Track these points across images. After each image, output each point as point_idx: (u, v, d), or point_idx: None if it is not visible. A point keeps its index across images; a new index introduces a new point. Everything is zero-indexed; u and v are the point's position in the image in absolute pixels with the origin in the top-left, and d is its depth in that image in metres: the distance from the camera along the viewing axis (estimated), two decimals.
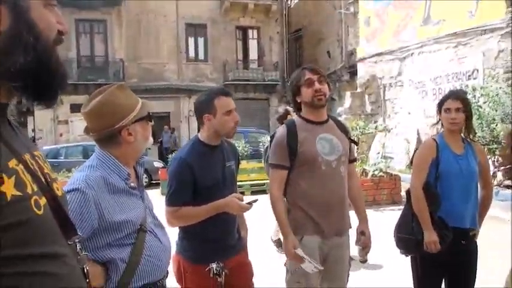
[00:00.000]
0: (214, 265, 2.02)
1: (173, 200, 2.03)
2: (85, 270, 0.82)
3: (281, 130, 2.32)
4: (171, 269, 2.13)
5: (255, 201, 2.00)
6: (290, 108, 4.11)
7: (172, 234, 2.16)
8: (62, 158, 11.54)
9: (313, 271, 2.09)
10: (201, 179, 2.03)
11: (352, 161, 2.43)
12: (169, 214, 2.03)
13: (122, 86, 1.55)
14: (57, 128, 17.19)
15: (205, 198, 2.00)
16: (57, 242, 0.73)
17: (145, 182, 10.92)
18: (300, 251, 2.08)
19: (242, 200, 2.00)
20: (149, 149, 16.50)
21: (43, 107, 0.81)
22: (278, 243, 4.53)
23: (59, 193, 0.81)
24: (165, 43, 18.62)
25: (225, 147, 2.21)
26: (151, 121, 1.59)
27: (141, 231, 1.46)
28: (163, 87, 17.97)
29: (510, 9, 8.57)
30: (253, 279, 2.29)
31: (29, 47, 0.69)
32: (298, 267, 2.16)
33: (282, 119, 4.24)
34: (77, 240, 0.81)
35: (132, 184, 1.51)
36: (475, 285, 2.40)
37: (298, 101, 2.30)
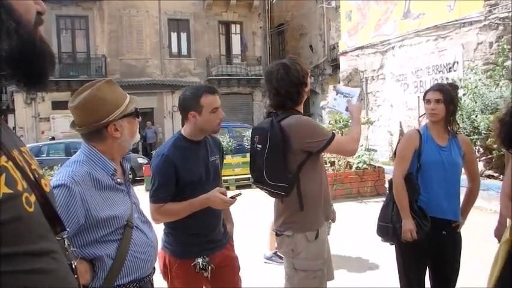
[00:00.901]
0: (200, 260, 2.03)
1: (157, 196, 2.02)
2: (73, 266, 0.81)
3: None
4: (157, 264, 2.13)
5: (238, 195, 2.01)
6: None
7: (158, 230, 2.16)
8: (44, 155, 11.32)
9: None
10: (184, 174, 2.02)
11: None
12: (154, 210, 2.02)
13: (110, 81, 1.54)
14: (39, 126, 16.84)
15: (190, 194, 2.00)
16: (48, 239, 0.72)
17: (130, 178, 10.95)
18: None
19: (225, 195, 2.00)
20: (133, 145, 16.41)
21: (36, 91, 0.79)
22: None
23: (47, 189, 0.80)
24: (148, 38, 18.41)
25: (208, 141, 2.20)
26: (138, 117, 1.58)
27: (128, 227, 1.45)
28: (146, 83, 17.78)
29: (487, 2, 8.74)
30: (240, 273, 2.30)
31: (11, 32, 0.68)
32: (314, 263, 2.11)
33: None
34: (64, 236, 0.81)
35: (118, 180, 1.51)
36: (458, 274, 2.44)
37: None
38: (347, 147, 2.15)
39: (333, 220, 2.46)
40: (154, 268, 1.60)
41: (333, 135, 2.11)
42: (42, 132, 16.72)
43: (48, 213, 0.74)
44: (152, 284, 1.61)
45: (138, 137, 1.61)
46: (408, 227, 2.33)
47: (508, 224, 1.79)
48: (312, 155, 2.09)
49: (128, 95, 1.56)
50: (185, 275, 2.05)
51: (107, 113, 1.45)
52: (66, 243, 0.82)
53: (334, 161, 8.37)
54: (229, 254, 2.22)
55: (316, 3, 17.22)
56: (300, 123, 2.08)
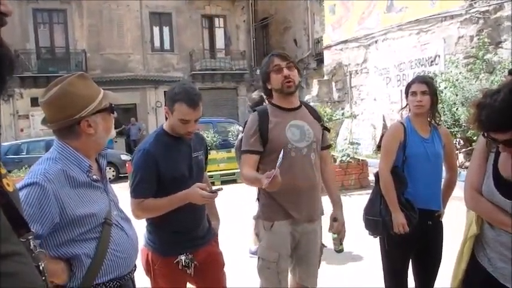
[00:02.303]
0: (183, 257, 2.00)
1: (138, 192, 1.97)
2: (41, 268, 0.78)
3: (253, 116, 2.30)
4: (140, 262, 2.09)
5: (219, 189, 1.97)
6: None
7: (141, 227, 2.11)
8: (23, 154, 11.07)
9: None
10: (166, 170, 1.98)
11: (325, 147, 2.42)
12: (134, 206, 1.97)
13: (83, 75, 1.48)
14: (18, 123, 16.44)
15: (172, 190, 1.95)
16: (10, 241, 0.69)
17: (113, 175, 10.77)
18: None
19: (206, 190, 1.95)
20: (115, 141, 16.19)
21: None
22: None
23: (10, 189, 0.77)
24: (129, 33, 18.11)
25: (191, 137, 2.15)
26: (113, 113, 1.53)
27: (106, 225, 1.41)
28: (129, 79, 17.54)
29: None
30: (225, 269, 2.27)
31: None
32: (269, 254, 2.17)
33: (257, 105, 4.13)
34: (30, 237, 0.78)
35: (94, 177, 1.46)
36: (440, 263, 2.48)
37: (269, 87, 2.27)
38: (241, 169, 2.26)
39: (321, 212, 2.43)
40: (135, 265, 1.57)
41: (245, 151, 2.23)
42: (21, 130, 16.32)
43: (10, 214, 0.71)
44: (133, 282, 1.58)
45: (113, 133, 1.56)
46: (400, 220, 2.34)
47: (473, 218, 1.76)
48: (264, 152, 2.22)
49: (102, 89, 1.51)
50: (168, 272, 2.02)
51: (79, 108, 1.40)
52: (32, 244, 0.79)
53: None
54: (213, 250, 2.19)
55: None
56: (247, 125, 2.30)
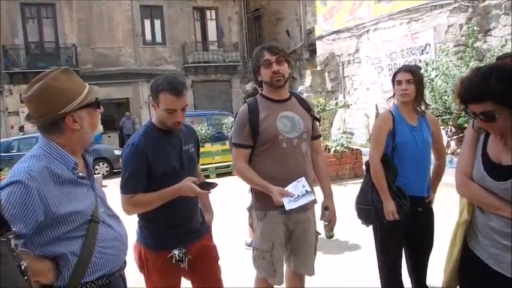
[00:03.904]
0: (176, 251, 2.00)
1: (127, 187, 1.96)
2: (22, 267, 0.77)
3: (243, 109, 2.31)
4: (133, 258, 2.09)
5: (213, 186, 1.98)
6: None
7: (132, 222, 2.12)
8: (14, 151, 10.94)
9: (312, 200, 2.15)
10: (156, 164, 1.97)
11: (316, 137, 2.44)
12: (125, 201, 1.97)
13: (67, 69, 1.45)
14: (8, 120, 16.24)
15: (164, 183, 1.95)
16: None
17: (106, 171, 10.71)
18: (285, 200, 2.11)
19: (197, 183, 1.96)
20: (109, 136, 16.09)
21: None
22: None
23: None
24: (120, 26, 17.88)
25: (182, 129, 2.14)
26: (99, 108, 1.50)
27: (93, 222, 1.39)
28: (120, 73, 17.36)
29: None
30: (220, 261, 2.28)
31: None
32: (263, 243, 2.19)
33: (251, 97, 4.09)
34: (10, 237, 0.77)
35: (80, 174, 1.44)
36: (432, 249, 2.51)
37: (259, 79, 2.29)
38: (237, 165, 2.29)
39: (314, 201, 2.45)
40: (125, 262, 1.56)
41: (237, 145, 2.27)
42: (12, 127, 16.13)
43: None
44: (124, 279, 1.57)
45: (100, 128, 1.54)
46: (390, 208, 2.37)
47: (465, 204, 1.77)
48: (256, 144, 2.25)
49: (87, 84, 1.48)
50: (162, 267, 2.02)
51: (63, 103, 1.37)
52: (13, 243, 0.78)
53: None
54: (207, 244, 2.19)
55: None
56: (237, 117, 2.35)
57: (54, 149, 1.40)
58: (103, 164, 10.84)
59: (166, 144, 2.04)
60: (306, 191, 2.12)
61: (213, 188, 2.00)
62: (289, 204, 2.08)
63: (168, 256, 2.01)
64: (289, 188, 2.12)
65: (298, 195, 2.10)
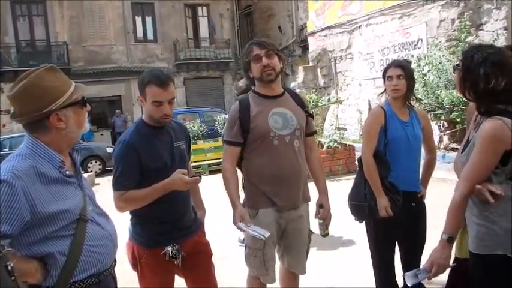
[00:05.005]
0: (169, 248, 1.98)
1: (119, 184, 1.95)
2: (9, 268, 0.75)
3: (234, 106, 2.29)
4: (124, 256, 2.08)
5: (200, 174, 1.97)
6: None
7: (125, 220, 2.10)
8: (6, 150, 10.84)
9: (259, 237, 2.09)
10: (147, 160, 1.96)
11: (310, 134, 2.42)
12: (117, 198, 1.95)
13: (52, 67, 1.43)
14: (0, 118, 16.06)
15: (155, 180, 1.93)
16: None
17: (99, 169, 10.64)
18: (242, 224, 2.10)
19: (187, 175, 1.94)
20: (101, 134, 15.98)
21: None
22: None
23: None
24: (111, 24, 17.76)
25: (172, 126, 2.14)
26: (86, 106, 1.48)
27: (81, 221, 1.38)
28: (112, 70, 17.24)
29: None
30: (214, 258, 2.27)
31: None
32: (254, 241, 2.19)
33: (243, 93, 4.07)
34: None
35: (67, 172, 1.42)
36: (425, 244, 2.52)
37: (251, 76, 2.26)
38: (224, 162, 2.27)
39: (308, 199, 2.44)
40: (114, 261, 1.55)
41: (227, 142, 2.26)
42: (4, 126, 15.95)
43: None
44: (114, 277, 1.56)
45: (87, 127, 1.51)
46: (383, 204, 2.37)
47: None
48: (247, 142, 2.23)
49: (73, 82, 1.46)
50: (155, 264, 2.01)
51: (48, 101, 1.35)
52: None
53: None
54: (200, 240, 2.18)
55: None
56: (229, 114, 2.34)
57: (40, 147, 1.38)
58: (95, 162, 10.77)
59: (157, 141, 2.03)
60: (258, 234, 2.09)
61: (201, 175, 1.99)
62: (243, 227, 2.10)
63: (161, 253, 1.99)
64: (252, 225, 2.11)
65: (254, 230, 2.09)
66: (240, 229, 2.13)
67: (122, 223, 2.03)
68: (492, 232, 1.64)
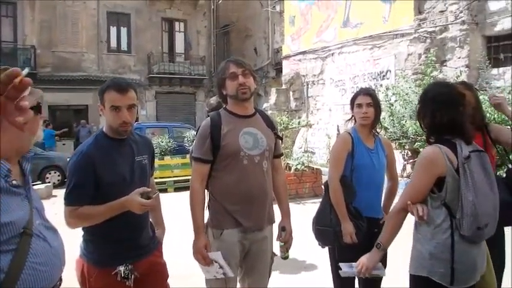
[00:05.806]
0: (122, 268, 1.87)
1: (72, 198, 1.84)
2: None
3: (205, 123, 2.24)
4: (72, 274, 1.94)
5: (154, 193, 1.86)
6: None
7: (77, 236, 1.97)
8: None
9: (215, 276, 2.04)
10: (104, 174, 1.86)
11: (277, 156, 2.40)
12: (68, 213, 1.83)
13: (5, 69, 1.32)
14: None
15: (112, 195, 1.83)
16: None
17: (58, 180, 10.13)
18: (214, 255, 2.03)
19: (148, 193, 1.84)
20: (64, 144, 15.39)
21: None
22: None
23: None
24: (84, 31, 17.41)
25: (135, 140, 2.05)
26: (40, 112, 1.38)
27: (25, 235, 1.25)
28: (81, 78, 16.80)
29: (417, 16, 9.36)
30: (170, 280, 2.17)
31: None
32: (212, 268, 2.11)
33: (214, 110, 4.00)
34: None
35: (14, 182, 1.29)
36: (387, 270, 2.52)
37: (224, 93, 2.23)
38: (193, 181, 2.20)
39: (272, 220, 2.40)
40: (60, 279, 1.43)
41: (196, 159, 2.19)
42: None
43: None
44: None
45: (39, 135, 1.41)
46: (348, 230, 2.37)
47: None
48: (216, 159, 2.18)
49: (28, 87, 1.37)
50: (105, 285, 1.88)
51: None
52: None
53: None
54: (156, 260, 2.08)
55: (262, 6, 17.37)
56: (199, 130, 2.28)
57: None
58: (55, 173, 10.24)
59: (117, 154, 1.93)
60: (220, 267, 2.08)
61: (154, 195, 1.86)
62: (211, 254, 2.10)
63: (112, 273, 1.88)
64: (217, 256, 2.09)
65: (217, 262, 2.07)
66: (203, 259, 2.09)
67: (72, 239, 1.90)
68: (419, 254, 1.83)
